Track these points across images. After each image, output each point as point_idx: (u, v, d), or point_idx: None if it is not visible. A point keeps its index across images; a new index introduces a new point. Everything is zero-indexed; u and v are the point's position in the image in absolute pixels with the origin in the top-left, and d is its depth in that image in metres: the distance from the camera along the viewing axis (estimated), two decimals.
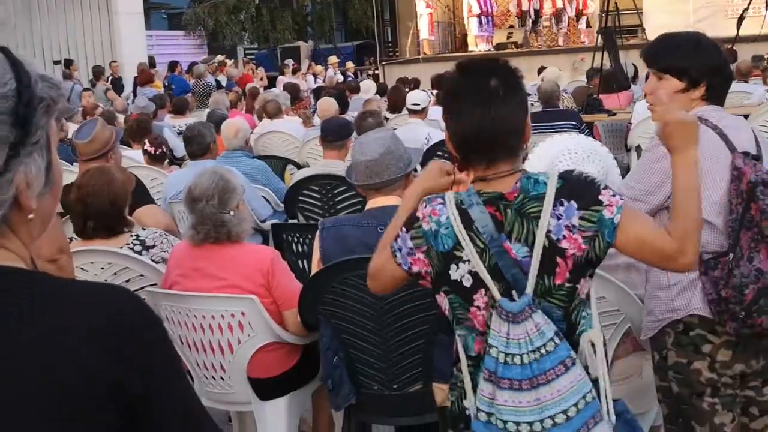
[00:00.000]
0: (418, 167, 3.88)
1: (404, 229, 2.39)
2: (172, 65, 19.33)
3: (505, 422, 2.21)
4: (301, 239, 5.24)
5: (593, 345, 2.26)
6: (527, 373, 2.18)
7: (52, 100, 1.28)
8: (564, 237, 2.22)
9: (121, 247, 3.91)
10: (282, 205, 6.28)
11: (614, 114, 10.28)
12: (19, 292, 1.23)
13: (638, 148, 8.42)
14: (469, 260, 2.28)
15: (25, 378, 1.18)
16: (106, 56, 19.97)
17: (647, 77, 3.19)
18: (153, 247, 4.00)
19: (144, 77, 16.80)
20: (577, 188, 2.24)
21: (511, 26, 24.63)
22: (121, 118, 10.54)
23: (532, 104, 11.50)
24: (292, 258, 5.16)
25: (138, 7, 20.99)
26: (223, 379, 3.78)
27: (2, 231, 1.25)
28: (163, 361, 1.33)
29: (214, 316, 3.68)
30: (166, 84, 17.94)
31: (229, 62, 21.47)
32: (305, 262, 4.95)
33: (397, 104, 10.35)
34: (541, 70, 14.62)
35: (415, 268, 2.40)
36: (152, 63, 19.40)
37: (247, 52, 30.53)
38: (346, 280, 3.39)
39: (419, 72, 18.97)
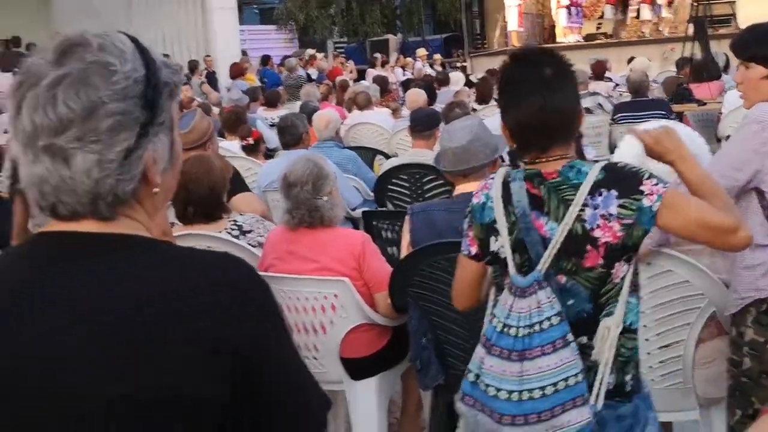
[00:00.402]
0: (505, 154, 3.97)
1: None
2: (265, 59, 19.68)
3: (487, 385, 2.32)
4: (390, 226, 5.37)
5: (608, 331, 2.32)
6: (517, 345, 2.27)
7: (175, 85, 1.40)
8: (598, 226, 2.29)
9: (220, 232, 4.07)
10: (372, 194, 6.40)
11: (704, 104, 10.13)
12: (147, 256, 1.36)
13: (728, 138, 8.29)
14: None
15: (144, 337, 1.28)
16: (201, 51, 20.35)
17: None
18: (250, 232, 4.16)
19: (237, 71, 17.13)
20: (619, 178, 2.32)
21: (601, 16, 24.31)
22: (215, 110, 10.80)
23: (621, 94, 11.49)
24: (382, 245, 5.27)
25: (231, 2, 21.28)
26: (316, 358, 3.91)
27: (131, 203, 1.37)
28: (274, 326, 1.41)
29: (308, 298, 3.82)
30: (259, 77, 18.28)
31: (320, 56, 21.73)
32: (395, 248, 5.07)
33: (484, 95, 10.41)
34: (630, 60, 14.48)
35: (473, 249, 2.54)
36: (245, 57, 19.73)
37: (336, 45, 30.78)
38: (434, 264, 3.49)
39: None
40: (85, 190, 1.30)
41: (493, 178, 2.49)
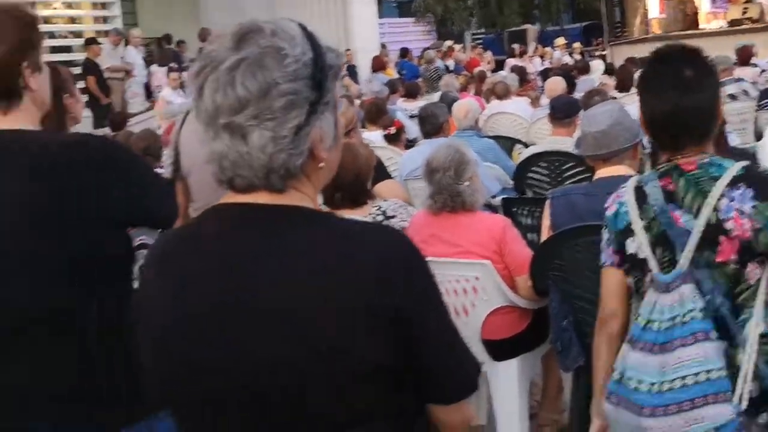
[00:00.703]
0: (645, 139, 3.98)
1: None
2: (403, 51, 19.90)
3: (629, 379, 2.35)
4: (530, 213, 5.42)
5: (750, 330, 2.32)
6: (660, 338, 2.31)
7: (338, 68, 1.53)
8: (731, 217, 2.30)
9: (365, 216, 4.22)
10: (511, 183, 6.45)
11: None
12: (317, 226, 1.49)
13: None
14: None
15: (314, 299, 1.41)
16: (341, 45, 20.65)
17: None
18: (393, 217, 4.29)
19: (378, 64, 17.39)
20: (759, 180, 2.34)
21: (747, 0, 23.48)
22: (356, 103, 11.03)
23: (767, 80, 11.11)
24: (522, 231, 5.31)
25: None
26: None
27: (299, 177, 1.49)
28: (433, 295, 1.54)
29: (450, 281, 3.93)
30: (398, 70, 18.50)
31: (458, 47, 21.81)
32: (535, 235, 5.12)
33: (625, 83, 10.28)
34: None
35: (613, 258, 2.59)
36: (384, 50, 19.98)
37: (474, 36, 30.75)
38: (575, 247, 3.54)
39: (648, 51, 18.32)
40: (260, 164, 1.43)
41: (624, 188, 2.55)
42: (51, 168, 2.11)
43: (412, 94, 12.11)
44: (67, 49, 15.51)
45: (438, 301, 1.56)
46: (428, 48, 20.16)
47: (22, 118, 2.21)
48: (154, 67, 16.00)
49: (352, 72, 18.07)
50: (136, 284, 2.26)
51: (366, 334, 1.42)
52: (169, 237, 1.71)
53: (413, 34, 26.59)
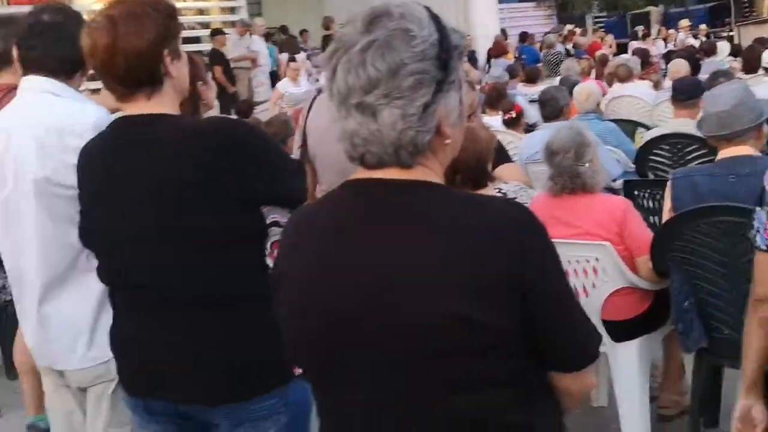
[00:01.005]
0: None
1: (757, 208, 2.44)
2: (523, 36, 19.77)
3: None
4: (651, 195, 5.38)
5: None
6: None
7: (463, 48, 1.61)
8: None
9: None
10: (632, 166, 6.40)
11: None
12: (441, 198, 1.57)
13: None
14: None
15: (440, 266, 1.50)
16: (461, 30, 20.64)
17: None
18: (514, 199, 4.34)
19: (498, 49, 17.36)
20: None
21: None
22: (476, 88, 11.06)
23: None
24: (643, 214, 5.29)
25: None
26: None
27: (426, 153, 1.57)
28: (555, 264, 1.61)
29: (570, 261, 3.95)
30: (517, 55, 18.40)
31: (578, 31, 21.53)
32: (656, 218, 5.09)
33: (751, 64, 10.02)
34: None
35: None
36: (504, 35, 19.89)
37: (596, 20, 30.23)
38: (697, 228, 3.53)
39: None
40: (390, 141, 1.52)
41: None
42: (190, 150, 2.25)
43: (532, 78, 12.08)
44: (195, 40, 15.96)
45: (559, 271, 1.62)
46: (549, 32, 19.97)
47: (164, 103, 2.36)
48: (283, 56, 16.29)
49: (472, 58, 18.04)
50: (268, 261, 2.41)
51: (489, 300, 1.49)
52: (303, 212, 1.83)
53: (533, 19, 26.30)
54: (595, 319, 3.97)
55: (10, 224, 2.80)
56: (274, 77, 15.82)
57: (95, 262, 2.50)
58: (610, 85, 10.74)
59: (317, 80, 13.80)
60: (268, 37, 17.47)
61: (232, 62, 15.05)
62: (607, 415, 4.43)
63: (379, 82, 1.49)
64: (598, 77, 12.37)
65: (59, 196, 2.65)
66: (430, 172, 1.60)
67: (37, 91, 2.81)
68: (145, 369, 2.40)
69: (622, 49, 19.87)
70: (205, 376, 2.32)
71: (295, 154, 3.82)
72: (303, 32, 18.92)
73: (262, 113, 10.70)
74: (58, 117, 2.72)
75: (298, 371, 2.19)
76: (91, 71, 2.56)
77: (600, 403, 4.57)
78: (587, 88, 7.21)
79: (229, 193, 2.25)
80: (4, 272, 3.08)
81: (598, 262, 3.91)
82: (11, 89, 3.76)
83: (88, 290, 2.69)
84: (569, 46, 18.96)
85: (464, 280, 1.49)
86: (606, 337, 4.00)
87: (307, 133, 3.81)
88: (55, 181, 2.65)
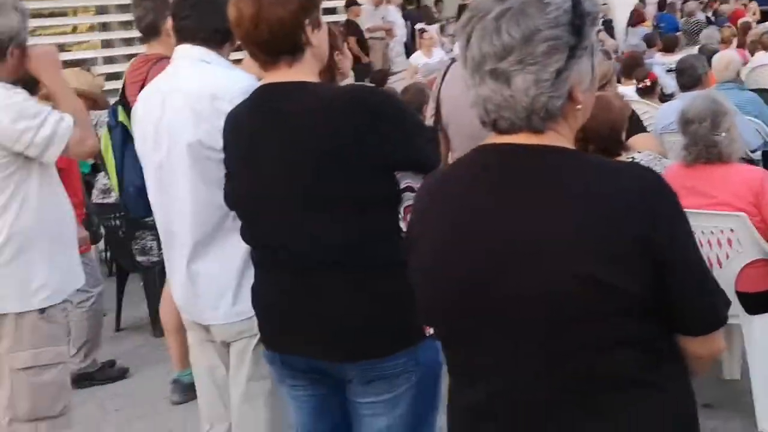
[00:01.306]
0: None
1: None
2: (661, 4, 19.21)
3: None
4: None
5: None
6: None
7: (595, 14, 1.63)
8: None
9: None
10: None
11: None
12: (573, 163, 1.62)
13: None
14: None
15: (573, 231, 1.53)
16: None
17: None
18: None
19: (636, 17, 16.96)
20: None
21: None
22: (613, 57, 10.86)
23: None
24: None
25: None
26: None
27: (557, 119, 1.61)
28: (687, 229, 1.62)
29: (704, 232, 3.92)
30: (655, 23, 17.92)
31: None
32: None
33: None
34: None
35: None
36: (643, 3, 19.36)
37: None
38: None
39: None
40: (523, 106, 1.57)
41: None
42: (331, 116, 2.35)
43: (669, 47, 11.77)
44: (331, 11, 16.15)
45: (689, 235, 1.64)
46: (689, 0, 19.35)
47: (305, 71, 2.47)
48: (417, 26, 16.32)
49: (608, 26, 17.67)
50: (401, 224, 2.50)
51: (623, 265, 1.53)
52: (436, 177, 1.90)
53: None
54: (729, 291, 3.93)
55: (164, 186, 2.97)
56: (408, 48, 15.87)
57: (239, 223, 2.63)
58: (752, 53, 10.40)
59: (450, 50, 13.79)
60: (404, 7, 17.51)
61: (366, 33, 15.17)
62: (739, 389, 4.39)
63: (513, 48, 1.54)
64: (740, 46, 11.98)
65: (211, 159, 2.79)
66: (561, 137, 1.65)
67: (191, 59, 2.96)
68: (285, 329, 2.53)
69: (766, 16, 19.09)
70: (340, 336, 2.43)
71: (429, 121, 3.91)
72: (438, 2, 18.89)
73: (397, 83, 10.79)
74: (211, 83, 2.86)
75: (430, 331, 2.29)
76: (237, 42, 2.69)
77: (733, 376, 4.52)
78: (727, 56, 7.03)
79: (366, 159, 2.34)
80: (151, 234, 3.25)
81: (733, 233, 3.86)
82: (160, 59, 3.98)
83: (234, 249, 2.82)
84: (710, 14, 18.33)
85: (599, 246, 1.53)
86: (740, 310, 3.96)
87: (440, 101, 3.88)
88: (208, 145, 2.79)
